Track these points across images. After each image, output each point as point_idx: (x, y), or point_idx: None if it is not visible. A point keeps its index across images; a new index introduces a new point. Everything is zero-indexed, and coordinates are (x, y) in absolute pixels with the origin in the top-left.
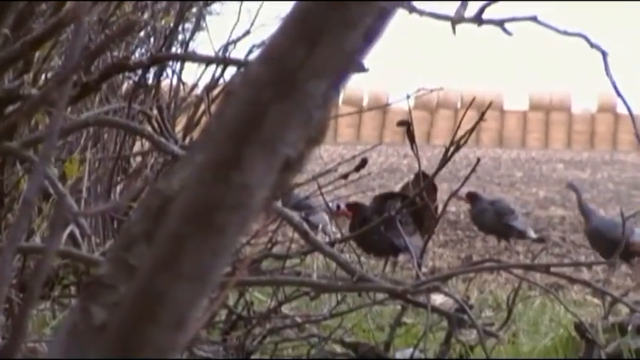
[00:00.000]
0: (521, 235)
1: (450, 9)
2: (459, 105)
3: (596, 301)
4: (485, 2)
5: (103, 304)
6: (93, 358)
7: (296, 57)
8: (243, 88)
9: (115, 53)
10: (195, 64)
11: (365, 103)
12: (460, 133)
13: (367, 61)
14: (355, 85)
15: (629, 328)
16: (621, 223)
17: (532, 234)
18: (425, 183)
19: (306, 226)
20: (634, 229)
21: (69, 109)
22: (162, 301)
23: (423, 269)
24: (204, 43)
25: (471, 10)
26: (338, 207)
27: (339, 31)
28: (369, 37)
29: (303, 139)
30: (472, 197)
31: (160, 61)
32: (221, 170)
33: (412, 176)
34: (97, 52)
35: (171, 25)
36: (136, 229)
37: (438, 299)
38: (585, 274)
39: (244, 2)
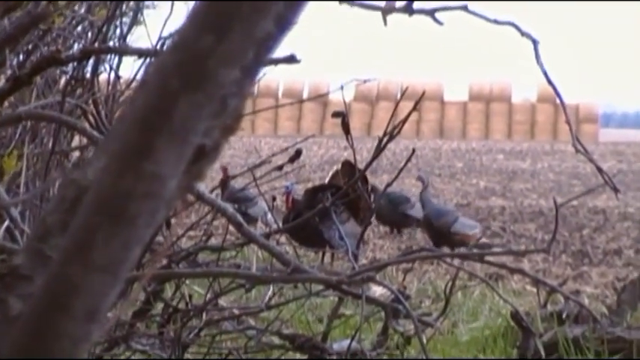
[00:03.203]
0: (420, 224)
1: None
2: (399, 96)
3: (535, 290)
4: None
5: (19, 295)
6: (7, 349)
7: (204, 45)
8: (153, 77)
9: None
10: (133, 59)
11: (305, 96)
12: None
13: (308, 53)
14: (296, 77)
15: (564, 316)
16: (449, 212)
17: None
18: (358, 174)
19: (239, 217)
20: (458, 218)
21: (5, 104)
22: (75, 292)
23: (363, 260)
24: (142, 38)
25: None
26: (288, 191)
27: (248, 19)
28: (282, 25)
29: (218, 128)
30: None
31: (91, 54)
32: (132, 160)
33: (340, 165)
34: (7, 41)
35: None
36: (51, 220)
37: (378, 290)
38: (526, 264)
39: None
